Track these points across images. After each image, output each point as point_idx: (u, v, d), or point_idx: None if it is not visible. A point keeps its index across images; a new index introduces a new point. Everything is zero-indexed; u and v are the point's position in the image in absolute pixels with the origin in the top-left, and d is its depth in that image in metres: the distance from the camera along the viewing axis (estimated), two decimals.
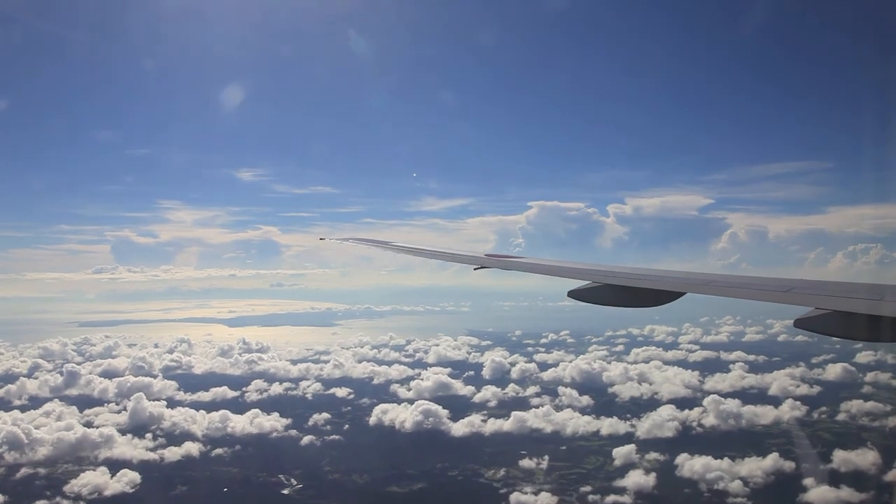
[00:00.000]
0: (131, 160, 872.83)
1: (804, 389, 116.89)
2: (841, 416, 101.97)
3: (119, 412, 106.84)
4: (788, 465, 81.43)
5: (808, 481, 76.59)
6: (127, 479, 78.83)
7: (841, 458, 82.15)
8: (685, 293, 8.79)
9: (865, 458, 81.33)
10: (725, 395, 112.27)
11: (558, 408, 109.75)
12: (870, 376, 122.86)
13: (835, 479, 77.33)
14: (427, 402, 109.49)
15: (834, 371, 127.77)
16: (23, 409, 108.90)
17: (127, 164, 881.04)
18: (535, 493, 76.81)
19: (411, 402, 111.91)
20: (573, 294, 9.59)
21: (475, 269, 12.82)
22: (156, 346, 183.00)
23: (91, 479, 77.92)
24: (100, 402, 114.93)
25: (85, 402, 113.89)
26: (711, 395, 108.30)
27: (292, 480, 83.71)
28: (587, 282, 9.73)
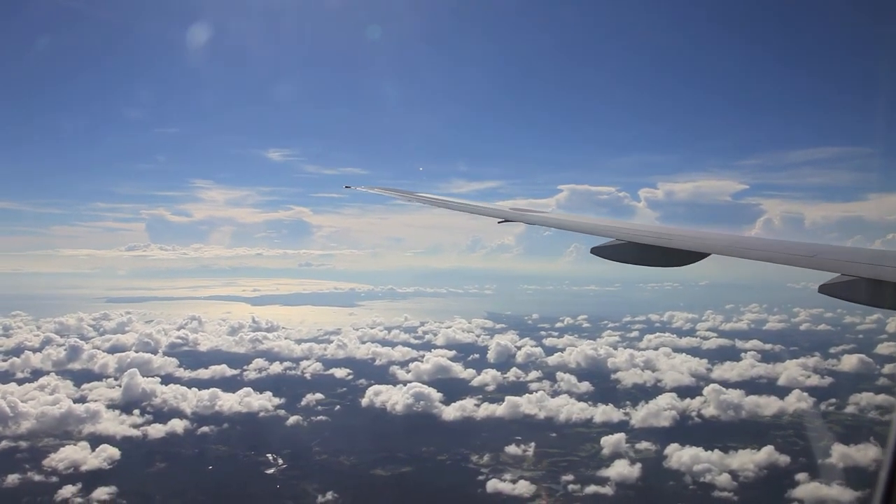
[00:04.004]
0: (163, 138, 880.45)
1: (815, 380, 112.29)
2: (850, 409, 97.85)
3: (114, 388, 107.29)
4: (783, 459, 78.01)
5: (800, 476, 73.32)
6: (105, 455, 78.66)
7: (841, 452, 78.50)
8: (709, 254, 8.55)
9: (866, 453, 77.42)
10: (733, 385, 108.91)
11: (556, 393, 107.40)
12: (888, 368, 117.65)
13: (832, 473, 74.09)
14: (421, 384, 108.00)
15: (849, 362, 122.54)
16: (22, 381, 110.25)
17: (158, 142, 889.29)
18: (514, 482, 74.73)
19: (407, 384, 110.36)
20: (596, 251, 9.40)
21: (499, 222, 12.67)
22: (169, 323, 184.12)
23: (69, 454, 77.87)
24: (99, 377, 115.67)
25: (85, 377, 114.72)
26: (712, 385, 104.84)
27: (279, 460, 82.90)
28: (611, 239, 9.46)
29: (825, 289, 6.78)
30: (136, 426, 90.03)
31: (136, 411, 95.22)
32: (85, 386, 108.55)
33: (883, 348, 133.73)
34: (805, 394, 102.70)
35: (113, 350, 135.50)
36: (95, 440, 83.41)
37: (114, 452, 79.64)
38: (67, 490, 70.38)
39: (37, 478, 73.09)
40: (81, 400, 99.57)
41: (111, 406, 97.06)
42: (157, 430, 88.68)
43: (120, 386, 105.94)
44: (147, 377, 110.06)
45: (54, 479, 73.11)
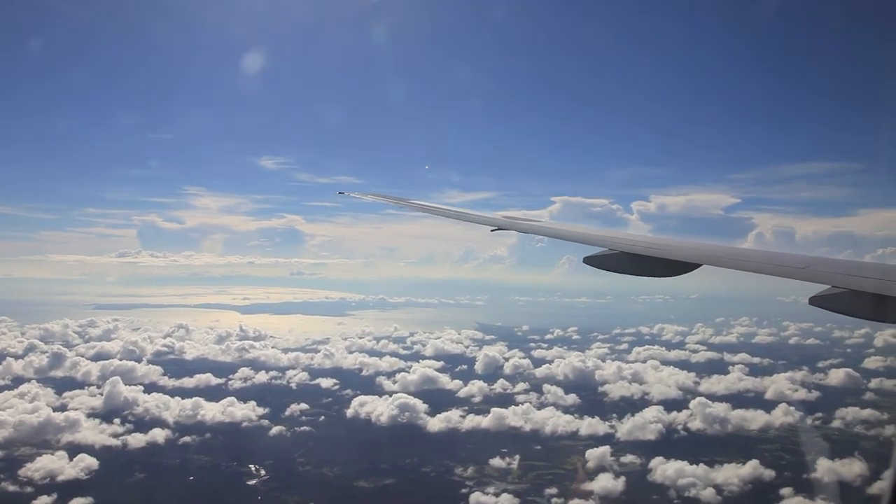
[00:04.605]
0: (156, 144, 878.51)
1: (802, 394, 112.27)
2: (836, 423, 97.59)
3: (95, 396, 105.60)
4: (768, 474, 77.59)
5: (784, 491, 72.85)
6: (83, 465, 77.41)
7: (826, 466, 78.13)
8: (701, 265, 8.54)
9: (851, 468, 77.02)
10: (720, 398, 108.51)
11: (542, 406, 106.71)
12: (874, 382, 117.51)
13: (818, 488, 73.84)
14: (406, 395, 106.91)
15: (836, 376, 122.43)
16: (2, 389, 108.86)
17: (151, 148, 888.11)
18: (497, 495, 74.03)
19: (393, 395, 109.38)
20: (589, 260, 9.40)
21: (492, 230, 12.60)
22: (156, 331, 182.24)
23: (46, 464, 76.54)
24: (81, 385, 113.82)
25: (67, 385, 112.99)
26: (698, 398, 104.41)
27: (261, 471, 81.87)
28: (604, 249, 9.46)
29: (815, 300, 6.78)
30: (115, 435, 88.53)
31: (117, 420, 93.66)
32: (66, 394, 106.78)
33: (870, 363, 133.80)
34: (792, 408, 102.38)
35: (97, 358, 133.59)
36: (74, 449, 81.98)
37: (92, 462, 78.27)
38: (42, 501, 69.15)
39: (11, 488, 71.73)
40: (62, 408, 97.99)
41: (91, 415, 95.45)
42: (137, 440, 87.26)
43: (102, 394, 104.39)
44: (130, 385, 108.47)
45: (29, 489, 71.82)
